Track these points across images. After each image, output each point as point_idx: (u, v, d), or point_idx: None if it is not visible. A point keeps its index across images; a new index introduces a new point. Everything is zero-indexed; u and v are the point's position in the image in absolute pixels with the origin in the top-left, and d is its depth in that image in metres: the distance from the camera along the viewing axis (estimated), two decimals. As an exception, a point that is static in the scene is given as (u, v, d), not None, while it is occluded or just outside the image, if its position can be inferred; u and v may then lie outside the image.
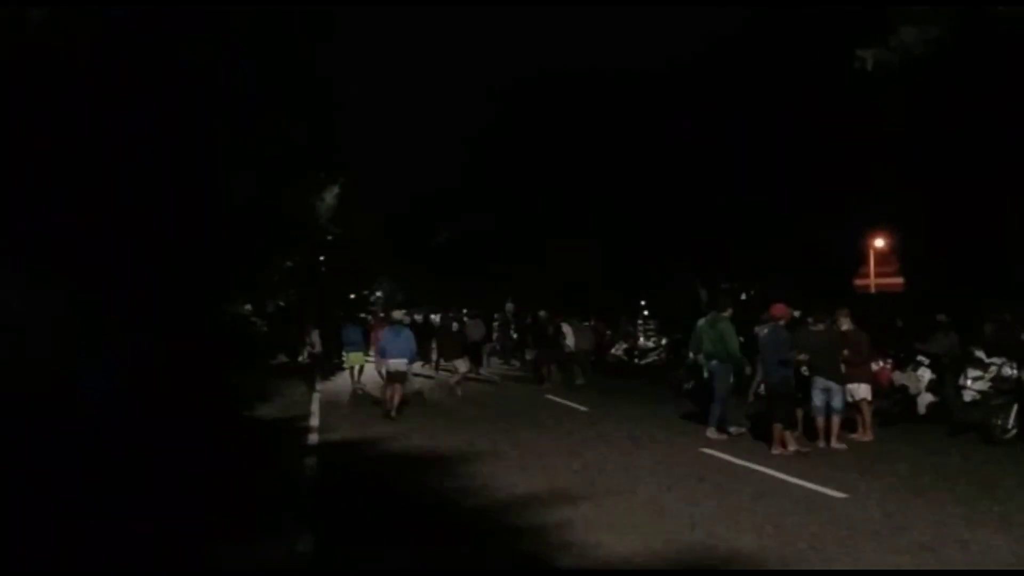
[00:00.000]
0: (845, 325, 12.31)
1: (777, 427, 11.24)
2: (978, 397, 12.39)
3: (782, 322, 11.69)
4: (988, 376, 12.51)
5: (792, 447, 11.13)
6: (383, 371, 16.36)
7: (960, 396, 12.62)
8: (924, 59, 9.90)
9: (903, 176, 21.71)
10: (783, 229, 27.06)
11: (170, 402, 13.69)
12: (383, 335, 16.52)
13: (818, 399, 11.62)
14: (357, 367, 20.04)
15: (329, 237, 19.71)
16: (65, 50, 9.34)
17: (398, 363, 15.78)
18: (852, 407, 12.12)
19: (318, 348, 23.00)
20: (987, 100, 14.25)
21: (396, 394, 15.67)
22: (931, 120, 18.09)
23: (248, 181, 11.89)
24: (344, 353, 20.39)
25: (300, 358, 26.03)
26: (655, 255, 30.95)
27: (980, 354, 13.10)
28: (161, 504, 8.77)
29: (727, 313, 13.06)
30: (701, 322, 13.47)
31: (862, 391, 12.05)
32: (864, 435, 12.01)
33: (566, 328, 21.05)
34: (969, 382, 12.56)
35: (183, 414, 13.68)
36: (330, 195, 14.24)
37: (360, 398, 19.01)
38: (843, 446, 11.36)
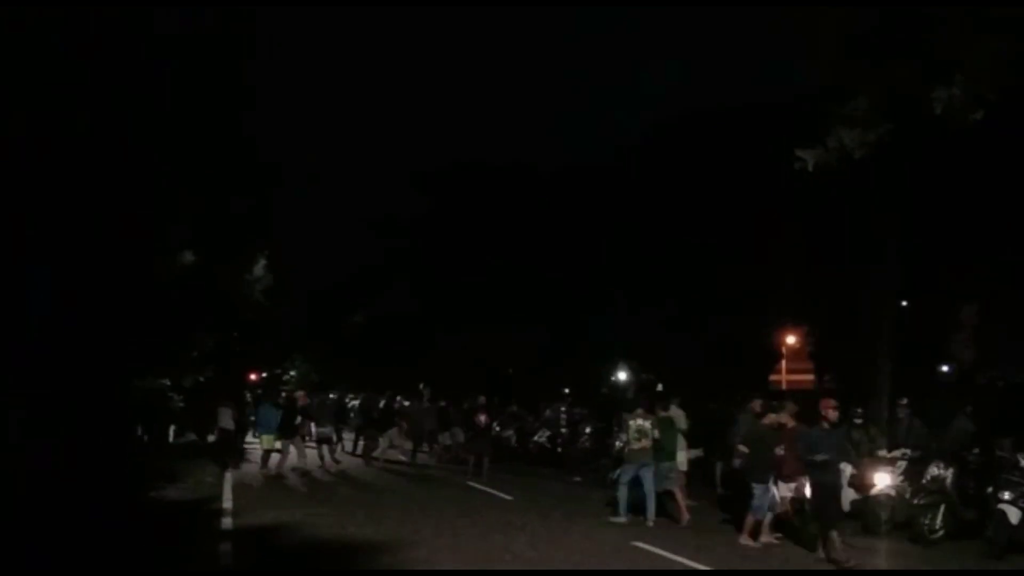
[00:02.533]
0: (789, 421, 11.91)
1: (831, 532, 10.45)
2: (891, 492, 12.52)
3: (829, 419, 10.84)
4: (898, 471, 12.72)
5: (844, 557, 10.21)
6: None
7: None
8: (862, 162, 10.29)
9: (813, 274, 22.46)
10: (699, 322, 27.67)
11: (70, 481, 12.88)
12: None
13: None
14: (266, 450, 19.35)
15: (250, 316, 19.23)
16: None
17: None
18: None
19: (228, 426, 21.94)
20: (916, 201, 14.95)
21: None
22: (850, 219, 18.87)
23: (182, 255, 11.49)
24: (256, 434, 19.59)
25: (209, 437, 24.97)
26: (582, 342, 31.31)
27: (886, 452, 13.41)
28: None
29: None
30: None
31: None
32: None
33: None
34: (876, 480, 12.70)
35: (85, 495, 12.88)
36: (259, 267, 13.81)
37: (272, 480, 18.32)
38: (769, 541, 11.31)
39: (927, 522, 11.60)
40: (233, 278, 13.22)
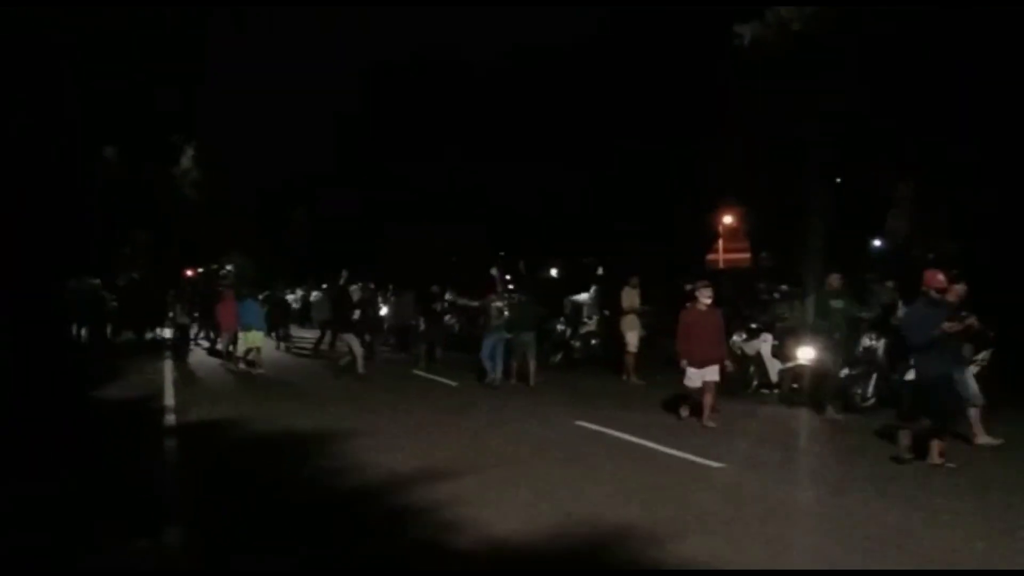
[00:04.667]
0: (707, 300, 11.60)
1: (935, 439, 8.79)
2: (813, 365, 12.85)
3: (933, 294, 8.93)
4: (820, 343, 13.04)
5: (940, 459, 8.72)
6: None
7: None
8: (800, 35, 10.10)
9: (751, 153, 22.47)
10: (636, 205, 27.71)
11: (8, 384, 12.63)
12: None
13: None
14: (255, 349, 18.46)
15: (179, 210, 18.45)
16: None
17: None
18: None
19: (184, 321, 21.62)
20: (852, 78, 14.93)
21: None
22: (784, 96, 18.78)
23: (105, 153, 10.88)
24: (240, 333, 18.61)
25: (156, 333, 24.67)
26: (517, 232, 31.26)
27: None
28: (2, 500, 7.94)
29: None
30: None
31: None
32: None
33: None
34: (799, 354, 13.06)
35: (23, 395, 12.66)
36: (186, 159, 13.18)
37: (215, 377, 18.18)
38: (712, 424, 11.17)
39: (859, 391, 12.01)
40: (159, 172, 12.62)
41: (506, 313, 16.22)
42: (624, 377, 15.89)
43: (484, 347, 15.99)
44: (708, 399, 11.33)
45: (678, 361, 11.57)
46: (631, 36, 25.84)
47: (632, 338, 15.96)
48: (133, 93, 12.49)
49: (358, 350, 17.34)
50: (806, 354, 12.79)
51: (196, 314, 23.58)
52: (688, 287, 16.74)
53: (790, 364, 13.08)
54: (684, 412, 11.65)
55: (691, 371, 11.35)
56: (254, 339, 18.51)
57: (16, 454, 9.56)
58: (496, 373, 15.79)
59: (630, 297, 16.30)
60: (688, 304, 12.07)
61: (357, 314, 18.10)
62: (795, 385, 13.03)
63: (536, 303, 17.13)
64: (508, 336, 16.04)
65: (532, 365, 15.84)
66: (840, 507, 7.31)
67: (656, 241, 26.55)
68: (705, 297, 11.54)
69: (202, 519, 7.26)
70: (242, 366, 18.43)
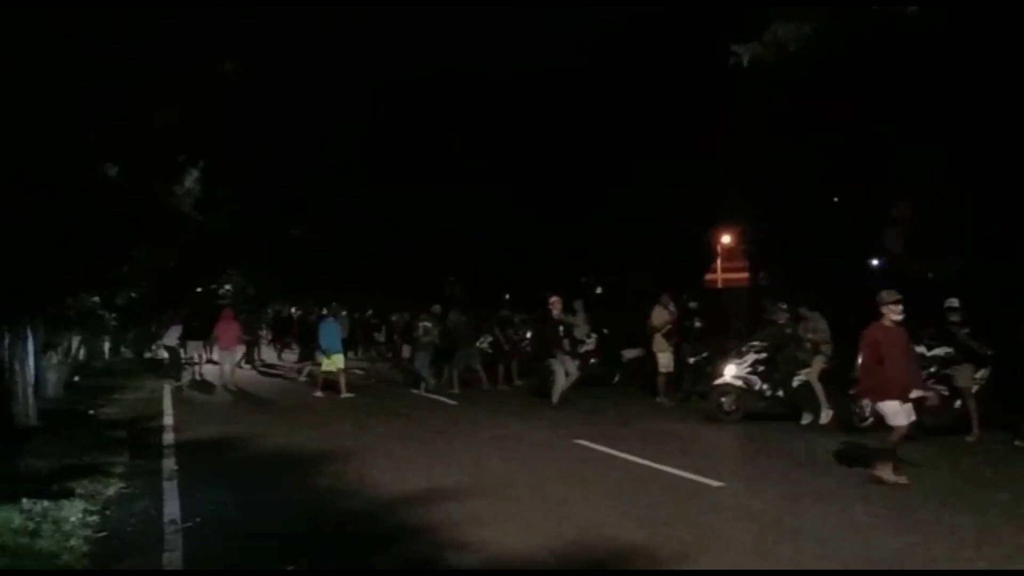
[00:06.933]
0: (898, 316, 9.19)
1: None
2: (737, 383, 13.20)
3: None
4: (746, 363, 13.22)
5: None
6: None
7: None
8: (797, 56, 10.17)
9: (754, 173, 22.57)
10: (638, 225, 27.73)
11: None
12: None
13: None
14: (336, 370, 17.77)
15: (181, 230, 18.19)
16: None
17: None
18: None
19: (172, 343, 21.46)
20: (851, 98, 15.00)
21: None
22: (789, 117, 18.88)
23: (105, 167, 10.81)
24: (320, 355, 18.30)
25: (155, 352, 24.56)
26: (525, 250, 31.14)
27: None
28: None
29: None
30: None
31: None
32: None
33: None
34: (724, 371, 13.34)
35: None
36: (190, 179, 13.15)
37: (215, 398, 18.13)
38: None
39: (856, 410, 11.95)
40: (162, 191, 12.56)
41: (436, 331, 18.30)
42: (656, 398, 15.50)
43: (418, 361, 18.30)
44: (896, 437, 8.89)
45: (864, 397, 9.87)
46: (627, 52, 25.92)
47: (663, 358, 15.60)
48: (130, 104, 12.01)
49: (561, 376, 15.30)
50: (731, 372, 13.19)
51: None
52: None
53: (718, 381, 13.23)
54: (898, 477, 8.83)
55: (897, 406, 8.79)
56: (335, 361, 17.87)
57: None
58: (428, 381, 18.25)
59: (660, 315, 15.67)
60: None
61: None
62: (723, 400, 13.18)
63: (473, 322, 19.27)
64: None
65: (481, 373, 18.52)
66: (840, 525, 7.29)
67: (655, 260, 26.54)
68: (896, 313, 9.00)
69: (198, 533, 7.25)
70: (318, 393, 17.66)
